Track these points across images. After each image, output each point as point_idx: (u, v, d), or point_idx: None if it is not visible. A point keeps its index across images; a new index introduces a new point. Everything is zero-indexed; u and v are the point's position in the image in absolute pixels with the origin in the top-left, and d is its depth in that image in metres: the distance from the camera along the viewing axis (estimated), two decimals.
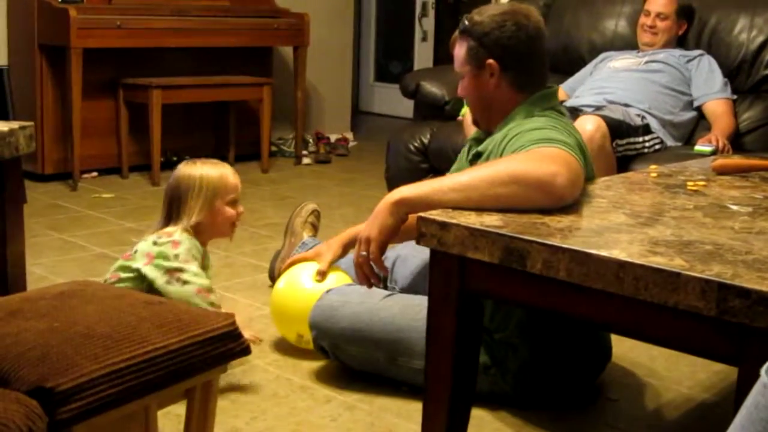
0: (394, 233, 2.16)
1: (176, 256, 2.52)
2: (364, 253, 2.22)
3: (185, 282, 2.50)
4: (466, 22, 2.40)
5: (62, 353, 1.55)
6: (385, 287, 2.79)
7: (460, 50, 2.43)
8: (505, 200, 1.92)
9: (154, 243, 2.56)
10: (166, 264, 2.51)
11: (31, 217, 4.14)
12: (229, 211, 2.67)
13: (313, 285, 2.71)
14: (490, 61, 2.36)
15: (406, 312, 2.50)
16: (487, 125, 2.46)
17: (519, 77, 2.38)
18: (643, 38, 4.08)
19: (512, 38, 2.35)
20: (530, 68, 2.40)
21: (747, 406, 1.04)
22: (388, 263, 2.96)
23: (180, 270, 2.51)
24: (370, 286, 2.39)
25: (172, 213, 2.64)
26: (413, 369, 2.45)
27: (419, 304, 2.39)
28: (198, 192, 2.61)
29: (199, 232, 2.62)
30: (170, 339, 1.68)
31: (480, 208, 1.91)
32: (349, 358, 2.62)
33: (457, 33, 2.46)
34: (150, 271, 2.52)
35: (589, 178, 2.27)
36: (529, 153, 2.04)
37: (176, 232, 2.57)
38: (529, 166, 1.95)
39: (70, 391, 1.49)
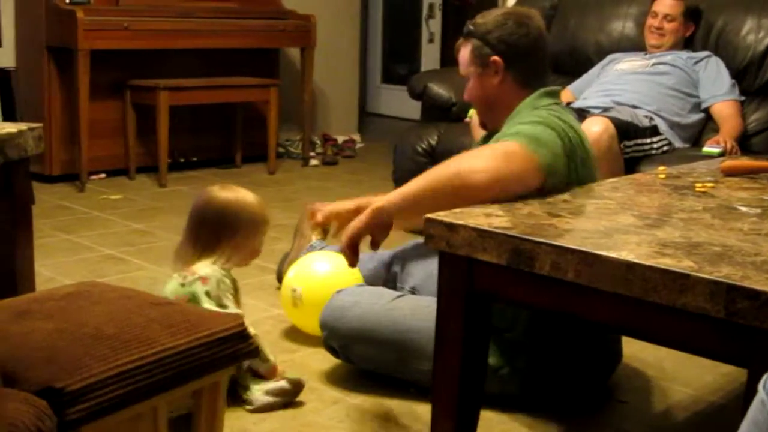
0: (368, 233, 2.27)
1: (207, 294, 2.39)
2: (344, 245, 2.28)
3: None
4: (470, 26, 2.47)
5: (71, 354, 1.55)
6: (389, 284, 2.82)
7: (464, 52, 2.49)
8: (448, 200, 2.04)
9: (182, 285, 2.40)
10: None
11: (39, 218, 4.14)
12: (259, 247, 2.58)
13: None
14: (495, 58, 2.41)
15: (416, 313, 2.50)
16: (494, 125, 2.48)
17: (523, 74, 2.43)
18: (650, 40, 4.08)
19: (514, 35, 2.41)
20: (533, 65, 2.45)
21: (747, 421, 1.04)
22: (397, 265, 2.97)
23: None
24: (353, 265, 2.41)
25: (204, 243, 2.46)
26: (422, 371, 2.45)
27: (429, 305, 2.39)
28: (247, 224, 2.48)
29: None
30: (178, 340, 1.68)
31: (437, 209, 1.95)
32: (358, 359, 2.62)
33: (461, 39, 2.51)
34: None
35: (589, 179, 2.30)
36: (475, 150, 2.27)
37: (202, 267, 2.43)
38: (463, 164, 2.15)
39: (79, 392, 1.49)
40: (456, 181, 2.12)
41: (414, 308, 2.54)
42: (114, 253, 3.85)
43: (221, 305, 2.41)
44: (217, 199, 2.49)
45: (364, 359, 2.61)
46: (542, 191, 2.13)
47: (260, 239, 2.56)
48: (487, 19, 2.45)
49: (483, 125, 2.57)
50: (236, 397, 2.44)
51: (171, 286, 2.42)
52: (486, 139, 2.55)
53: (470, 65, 2.47)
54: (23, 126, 2.29)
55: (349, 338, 2.58)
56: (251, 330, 2.39)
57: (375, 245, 2.33)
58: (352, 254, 2.29)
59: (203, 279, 2.41)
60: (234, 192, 2.52)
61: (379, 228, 2.26)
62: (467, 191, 2.07)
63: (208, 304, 2.36)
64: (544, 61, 2.50)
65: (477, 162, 2.13)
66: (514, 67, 2.42)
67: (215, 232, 2.46)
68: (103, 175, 5.44)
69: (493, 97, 2.46)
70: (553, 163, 2.18)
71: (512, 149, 2.16)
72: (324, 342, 2.66)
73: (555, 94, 2.45)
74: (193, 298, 2.38)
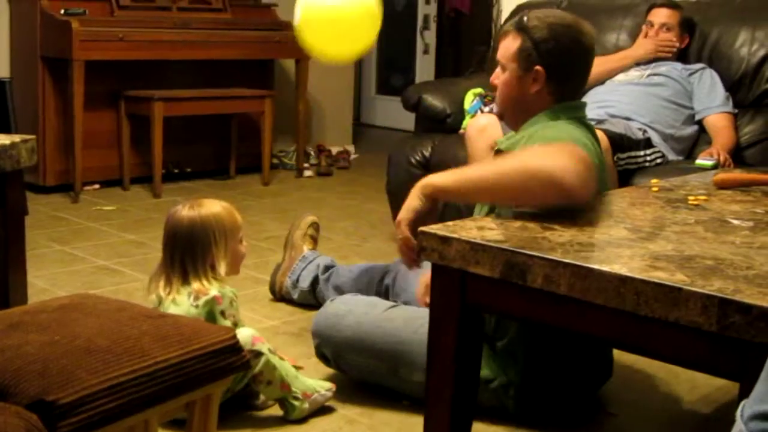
0: (420, 214, 2.13)
1: (222, 313, 2.41)
2: (400, 236, 2.20)
3: None
4: (526, 20, 2.39)
5: (63, 367, 1.55)
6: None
7: (512, 44, 2.41)
8: (514, 193, 1.95)
9: (195, 306, 2.40)
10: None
11: (33, 229, 4.14)
12: (241, 249, 2.58)
13: None
14: (539, 68, 2.37)
15: (409, 324, 2.50)
16: (514, 124, 2.47)
17: (560, 88, 2.40)
18: None
19: (566, 52, 2.37)
20: (575, 84, 2.43)
21: None
22: (389, 278, 2.97)
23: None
24: (417, 266, 2.31)
25: (188, 266, 2.44)
26: (414, 381, 2.45)
27: (422, 316, 2.39)
28: (220, 235, 2.46)
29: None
30: (171, 353, 1.68)
31: (496, 201, 1.94)
32: (350, 368, 2.62)
33: (510, 25, 2.44)
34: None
35: (604, 189, 2.30)
36: (544, 147, 2.07)
37: (210, 287, 2.42)
38: (541, 160, 1.95)
39: (70, 405, 1.49)
40: (544, 178, 1.91)
41: (407, 319, 2.54)
42: (108, 264, 3.85)
43: (235, 323, 2.43)
44: (183, 221, 2.46)
45: (357, 368, 2.61)
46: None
47: (238, 243, 2.55)
48: (545, 21, 2.38)
49: (500, 116, 2.54)
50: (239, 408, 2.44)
51: (181, 309, 2.38)
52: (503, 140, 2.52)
53: (512, 61, 2.41)
54: (16, 138, 2.29)
55: (342, 347, 2.58)
56: (267, 350, 2.42)
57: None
58: (409, 248, 2.17)
59: (218, 298, 2.41)
60: (197, 208, 2.48)
61: (428, 209, 2.13)
62: (556, 190, 1.90)
63: (224, 324, 2.38)
64: (586, 76, 2.46)
65: (556, 160, 1.93)
66: (556, 82, 2.38)
67: (191, 252, 2.44)
68: (97, 186, 5.44)
69: (523, 100, 2.41)
70: (598, 168, 2.11)
71: (577, 152, 1.99)
72: (316, 350, 2.66)
73: (579, 109, 2.44)
74: (209, 318, 2.39)
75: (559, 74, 2.38)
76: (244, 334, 2.34)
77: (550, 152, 2.00)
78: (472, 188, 2.04)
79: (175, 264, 2.45)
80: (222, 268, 2.47)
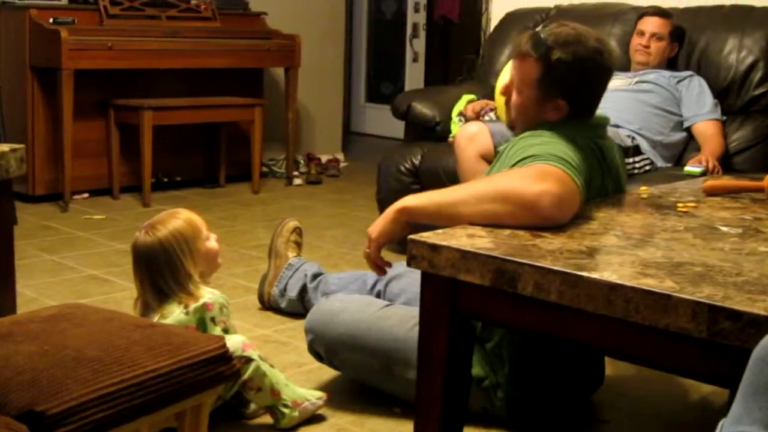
0: (392, 238, 2.18)
1: (213, 319, 2.42)
2: (367, 250, 2.23)
3: None
4: (549, 45, 2.26)
5: (52, 377, 1.54)
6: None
7: (530, 72, 2.30)
8: (492, 217, 1.96)
9: (186, 314, 2.39)
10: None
11: (22, 239, 4.13)
12: (211, 246, 2.54)
13: None
14: (562, 102, 2.29)
15: (404, 322, 2.50)
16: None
17: (578, 113, 2.33)
18: (636, 57, 4.09)
19: (590, 81, 2.30)
20: (591, 107, 2.37)
21: None
22: (381, 284, 2.97)
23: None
24: (383, 273, 2.35)
25: (163, 287, 2.42)
26: (408, 380, 2.44)
27: (416, 316, 2.39)
28: (184, 248, 2.43)
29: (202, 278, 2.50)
30: (160, 362, 1.67)
31: (473, 223, 1.94)
32: (344, 365, 2.64)
33: (529, 47, 2.30)
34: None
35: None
36: (522, 169, 2.05)
37: (199, 294, 2.43)
38: (517, 184, 1.96)
39: (59, 415, 1.48)
40: (518, 202, 1.93)
41: (402, 318, 2.54)
42: (97, 273, 3.84)
43: (225, 330, 2.43)
44: (144, 248, 2.43)
45: (350, 366, 2.62)
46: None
47: (205, 242, 2.50)
48: (569, 54, 2.25)
49: (511, 127, 2.47)
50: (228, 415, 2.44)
51: (172, 319, 2.37)
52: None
53: (532, 89, 2.30)
54: (5, 147, 2.28)
55: (336, 344, 2.59)
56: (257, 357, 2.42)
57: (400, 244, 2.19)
58: (379, 259, 2.22)
59: (208, 305, 2.42)
60: (153, 231, 2.43)
61: (401, 231, 2.14)
62: (531, 213, 1.93)
63: (214, 331, 2.39)
64: (601, 97, 2.38)
65: (532, 184, 1.94)
66: (574, 108, 2.31)
67: (161, 275, 2.41)
68: (86, 195, 5.43)
69: (538, 121, 2.32)
70: (583, 187, 2.07)
71: (556, 173, 1.99)
72: (309, 346, 2.67)
73: (583, 129, 2.33)
74: (200, 325, 2.39)
75: (580, 101, 2.32)
76: (234, 341, 2.34)
77: (525, 175, 2.00)
78: (448, 211, 2.04)
79: (148, 290, 2.44)
80: (197, 276, 2.45)
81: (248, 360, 2.38)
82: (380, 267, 2.28)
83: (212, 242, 2.56)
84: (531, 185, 1.94)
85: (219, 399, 2.41)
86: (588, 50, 2.28)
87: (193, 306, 2.40)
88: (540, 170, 2.00)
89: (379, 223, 2.18)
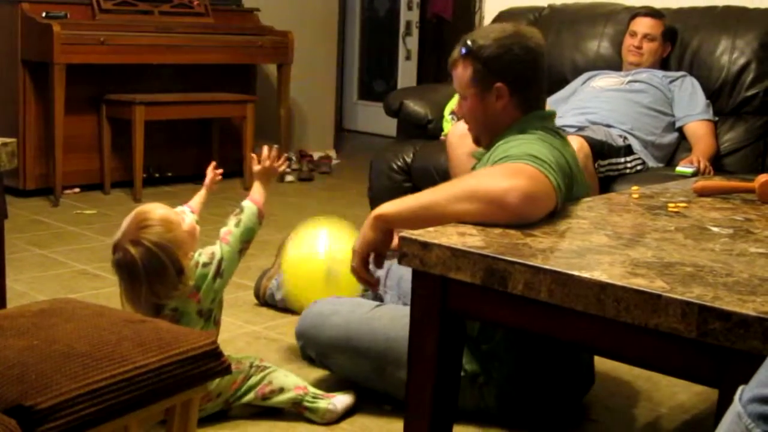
0: (374, 247, 2.17)
1: (212, 255, 2.45)
2: (354, 266, 2.23)
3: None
4: (470, 44, 2.37)
5: (41, 372, 1.54)
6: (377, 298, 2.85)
7: (464, 73, 2.39)
8: (465, 216, 1.97)
9: (204, 266, 2.43)
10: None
11: (12, 233, 4.12)
12: (190, 226, 2.42)
13: None
14: (499, 84, 2.34)
15: (395, 322, 2.50)
16: (489, 144, 2.45)
17: (524, 96, 2.37)
18: (628, 58, 4.10)
19: (520, 63, 2.35)
20: (535, 88, 2.40)
21: None
22: (382, 272, 2.97)
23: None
24: (375, 289, 2.40)
25: (160, 291, 2.33)
26: (400, 379, 2.44)
27: (407, 315, 2.39)
28: (171, 251, 2.31)
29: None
30: (150, 358, 1.67)
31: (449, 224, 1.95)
32: (336, 367, 2.65)
33: (457, 54, 2.40)
34: (224, 250, 2.46)
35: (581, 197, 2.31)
36: (492, 168, 2.09)
37: (202, 256, 2.43)
38: (484, 182, 2.00)
39: (49, 410, 1.48)
40: (489, 200, 1.95)
41: (393, 318, 2.54)
42: (88, 268, 3.83)
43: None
44: (136, 257, 2.32)
45: (342, 368, 2.63)
46: (552, 213, 2.06)
47: (183, 230, 2.38)
48: (489, 41, 2.35)
49: (477, 142, 2.52)
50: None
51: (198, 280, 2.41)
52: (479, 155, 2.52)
53: (470, 87, 2.38)
54: None
55: (327, 347, 2.60)
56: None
57: (379, 262, 2.23)
58: (365, 272, 2.22)
59: (209, 254, 2.44)
60: (137, 246, 2.33)
61: (382, 239, 2.15)
62: (501, 211, 1.94)
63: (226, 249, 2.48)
64: (544, 83, 2.45)
65: (500, 181, 1.97)
66: (518, 93, 2.36)
67: (159, 279, 2.32)
68: (77, 190, 5.42)
69: (492, 119, 2.38)
70: (558, 184, 2.08)
71: (526, 170, 2.02)
72: (301, 351, 2.68)
73: (547, 118, 2.41)
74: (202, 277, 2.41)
75: (519, 84, 2.35)
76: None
77: (496, 173, 2.03)
78: (423, 214, 2.05)
79: (143, 297, 2.34)
80: (186, 261, 2.36)
81: (264, 368, 2.47)
82: (369, 281, 2.26)
83: (188, 221, 2.44)
84: (499, 182, 1.97)
85: (224, 403, 2.46)
86: (507, 34, 2.37)
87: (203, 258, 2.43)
88: (510, 168, 2.04)
89: (360, 235, 2.19)
